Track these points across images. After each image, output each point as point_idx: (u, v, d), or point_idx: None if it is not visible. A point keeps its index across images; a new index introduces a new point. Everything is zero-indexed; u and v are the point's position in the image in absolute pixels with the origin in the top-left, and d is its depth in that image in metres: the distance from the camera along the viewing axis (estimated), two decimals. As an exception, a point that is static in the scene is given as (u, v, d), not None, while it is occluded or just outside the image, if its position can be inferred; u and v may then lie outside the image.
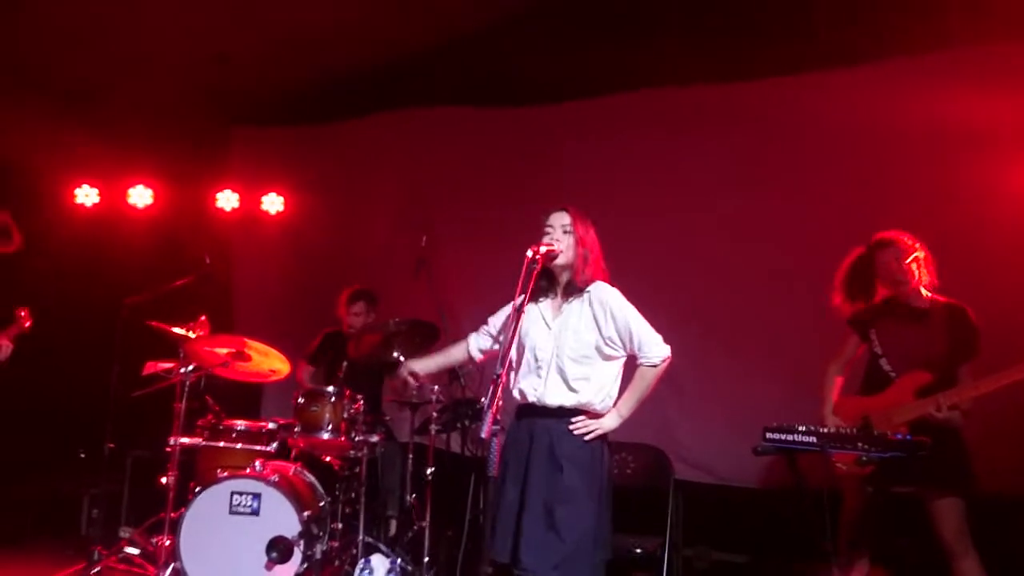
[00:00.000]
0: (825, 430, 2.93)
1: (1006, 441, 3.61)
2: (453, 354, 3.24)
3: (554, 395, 2.84)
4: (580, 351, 2.84)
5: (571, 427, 2.81)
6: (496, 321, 3.12)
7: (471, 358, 3.19)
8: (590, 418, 2.84)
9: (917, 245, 3.31)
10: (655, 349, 2.86)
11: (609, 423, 2.85)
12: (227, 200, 6.23)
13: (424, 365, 3.20)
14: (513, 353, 2.85)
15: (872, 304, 3.45)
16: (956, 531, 3.10)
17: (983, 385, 3.06)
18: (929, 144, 4.23)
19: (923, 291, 3.34)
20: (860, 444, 2.80)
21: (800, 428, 2.90)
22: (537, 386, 2.86)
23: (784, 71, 4.73)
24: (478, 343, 3.16)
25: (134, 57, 5.33)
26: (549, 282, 2.95)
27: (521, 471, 2.81)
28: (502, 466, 2.82)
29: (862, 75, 4.50)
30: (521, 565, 2.68)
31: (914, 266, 3.29)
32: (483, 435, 2.48)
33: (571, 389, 2.83)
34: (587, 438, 2.81)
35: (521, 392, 2.91)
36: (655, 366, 2.87)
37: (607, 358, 2.89)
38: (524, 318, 2.79)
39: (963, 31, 4.16)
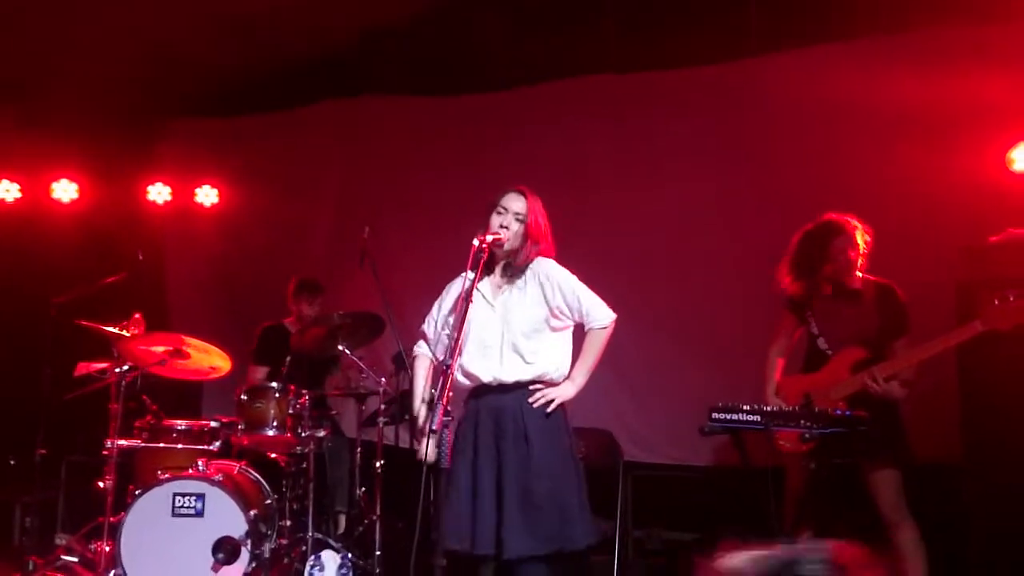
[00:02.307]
0: (768, 409, 3.02)
1: (937, 411, 3.76)
2: (426, 374, 3.04)
3: (511, 372, 2.84)
4: (531, 326, 2.85)
5: (530, 400, 2.81)
6: (439, 316, 3.04)
7: (440, 363, 3.05)
8: (547, 387, 2.86)
9: (862, 229, 3.37)
10: (601, 312, 2.92)
11: (567, 391, 2.88)
12: (159, 193, 6.01)
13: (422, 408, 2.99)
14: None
15: (813, 285, 3.51)
16: (894, 501, 3.22)
17: (916, 354, 3.17)
18: (866, 125, 4.35)
19: (857, 272, 3.43)
20: (802, 421, 2.89)
21: (744, 407, 2.98)
22: (491, 366, 2.84)
23: (729, 56, 4.81)
24: (438, 350, 3.02)
25: (59, 45, 5.10)
26: (490, 262, 2.92)
27: (492, 455, 2.78)
28: (463, 454, 2.80)
29: (804, 58, 4.61)
30: (509, 552, 2.66)
31: (859, 252, 3.36)
32: (434, 427, 2.46)
33: (526, 363, 2.84)
34: (548, 409, 2.82)
35: (471, 375, 2.87)
36: (604, 328, 2.92)
37: (555, 329, 2.91)
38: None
39: (922, 13, 4.27)
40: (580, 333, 3.01)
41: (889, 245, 3.52)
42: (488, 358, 2.85)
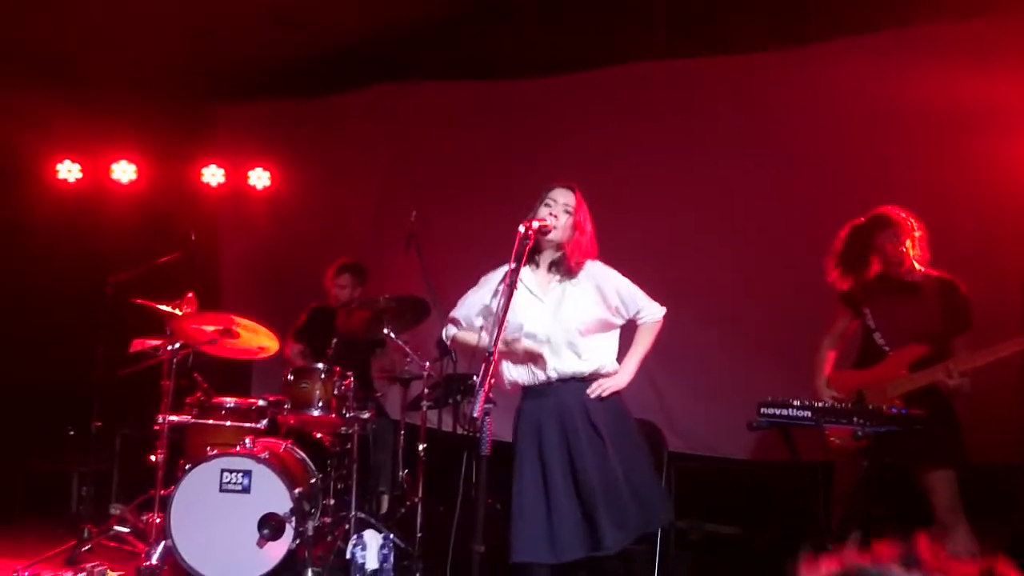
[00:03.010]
0: (820, 404, 2.93)
1: (995, 412, 3.62)
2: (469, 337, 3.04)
3: (569, 365, 2.86)
4: (587, 325, 2.88)
5: (589, 391, 2.85)
6: (474, 304, 3.01)
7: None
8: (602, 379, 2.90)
9: (913, 223, 3.27)
10: (654, 309, 2.99)
11: (621, 380, 2.92)
12: (212, 175, 6.12)
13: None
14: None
15: (865, 279, 3.41)
16: (949, 503, 3.11)
17: (980, 357, 3.04)
18: (928, 118, 4.19)
19: (916, 265, 3.31)
20: (855, 418, 2.79)
21: (795, 403, 2.89)
22: (548, 360, 2.84)
23: (777, 44, 4.67)
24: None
25: (114, 28, 5.20)
26: (533, 254, 2.90)
27: (564, 457, 2.77)
28: (528, 465, 2.80)
29: (860, 46, 4.45)
30: (608, 548, 2.67)
31: (909, 246, 3.25)
32: (475, 414, 2.45)
33: (582, 359, 2.86)
34: (605, 395, 2.86)
35: (528, 370, 2.87)
36: (657, 321, 2.98)
37: (610, 327, 2.96)
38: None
39: (960, 3, 4.11)
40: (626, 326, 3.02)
41: (955, 241, 3.39)
42: (547, 354, 2.84)
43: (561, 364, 2.85)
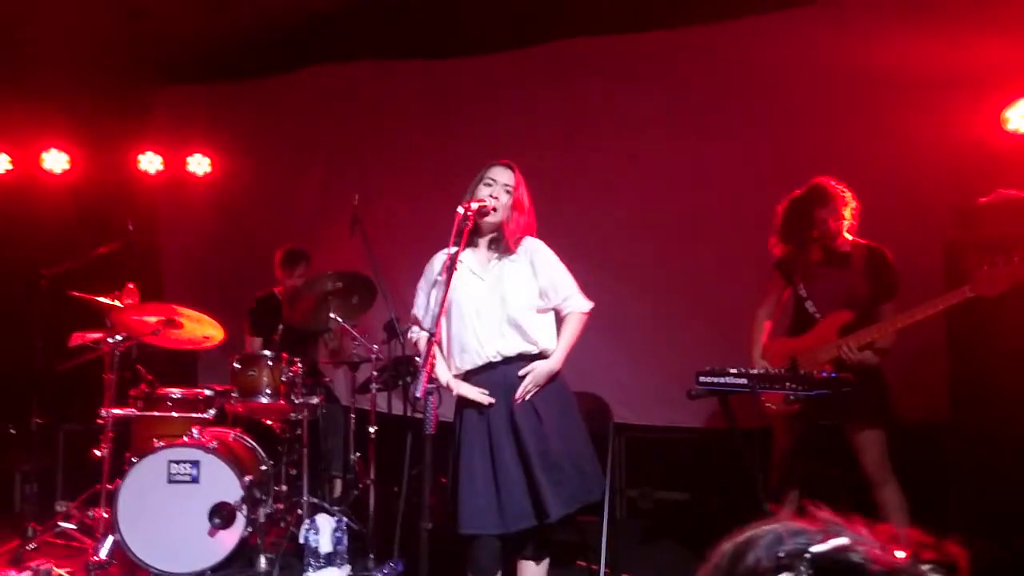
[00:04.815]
0: (755, 372, 3.03)
1: (921, 374, 3.79)
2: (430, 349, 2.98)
3: (512, 346, 2.84)
4: (527, 301, 2.86)
5: (520, 372, 2.82)
6: (426, 295, 3.01)
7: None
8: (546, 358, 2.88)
9: (849, 195, 3.35)
10: (580, 301, 2.93)
11: (552, 366, 2.86)
12: (150, 163, 5.98)
13: (446, 374, 2.95)
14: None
15: (794, 249, 3.50)
16: (877, 461, 3.25)
17: (896, 322, 3.17)
18: (856, 85, 4.30)
19: (846, 235, 3.42)
20: (788, 384, 2.90)
21: (732, 370, 2.99)
22: (491, 339, 2.83)
23: (717, 17, 4.74)
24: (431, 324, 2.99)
25: (41, 7, 5.01)
26: (473, 235, 2.88)
27: (508, 430, 2.79)
28: (476, 440, 2.81)
29: (793, 18, 4.55)
30: (552, 516, 2.70)
31: (845, 219, 3.35)
32: (418, 394, 2.48)
33: (526, 337, 2.85)
34: (541, 382, 2.83)
35: (471, 350, 2.85)
36: (583, 314, 2.94)
37: (543, 309, 2.93)
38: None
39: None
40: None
41: (879, 206, 3.50)
42: (487, 331, 2.84)
43: (505, 345, 2.85)
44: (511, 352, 2.85)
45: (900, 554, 0.77)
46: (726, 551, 0.83)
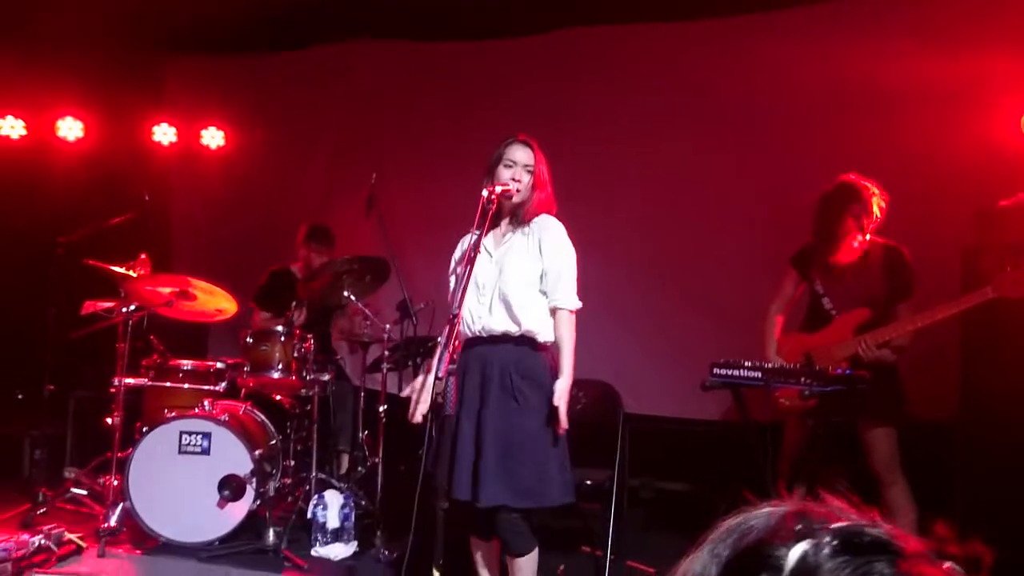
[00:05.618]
0: (769, 366, 3.05)
1: (938, 371, 3.80)
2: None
3: (498, 322, 2.81)
4: (523, 279, 2.82)
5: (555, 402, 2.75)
6: (453, 272, 3.02)
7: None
8: (537, 348, 2.84)
9: (877, 191, 3.32)
10: (569, 298, 2.84)
11: (567, 382, 2.80)
12: (164, 134, 5.97)
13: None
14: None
15: (812, 244, 3.50)
16: (887, 459, 3.27)
17: (916, 321, 3.18)
18: (877, 89, 4.29)
19: (864, 235, 3.41)
20: (803, 379, 2.92)
21: (746, 364, 3.01)
22: (481, 314, 2.82)
23: (733, 11, 4.71)
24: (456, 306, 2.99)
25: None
26: (496, 216, 2.86)
27: (475, 406, 2.79)
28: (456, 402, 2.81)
29: (812, 16, 4.52)
30: (483, 499, 2.68)
31: (876, 214, 3.33)
32: (440, 375, 2.49)
33: (514, 317, 2.80)
34: (562, 403, 2.76)
35: (465, 322, 2.85)
36: (566, 310, 2.84)
37: (541, 291, 2.88)
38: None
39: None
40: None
41: (899, 209, 3.49)
42: (479, 307, 2.83)
43: (491, 321, 2.81)
44: (496, 329, 2.81)
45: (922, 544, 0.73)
46: (729, 525, 0.77)
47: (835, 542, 0.70)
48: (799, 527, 0.71)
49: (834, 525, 0.71)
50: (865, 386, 2.83)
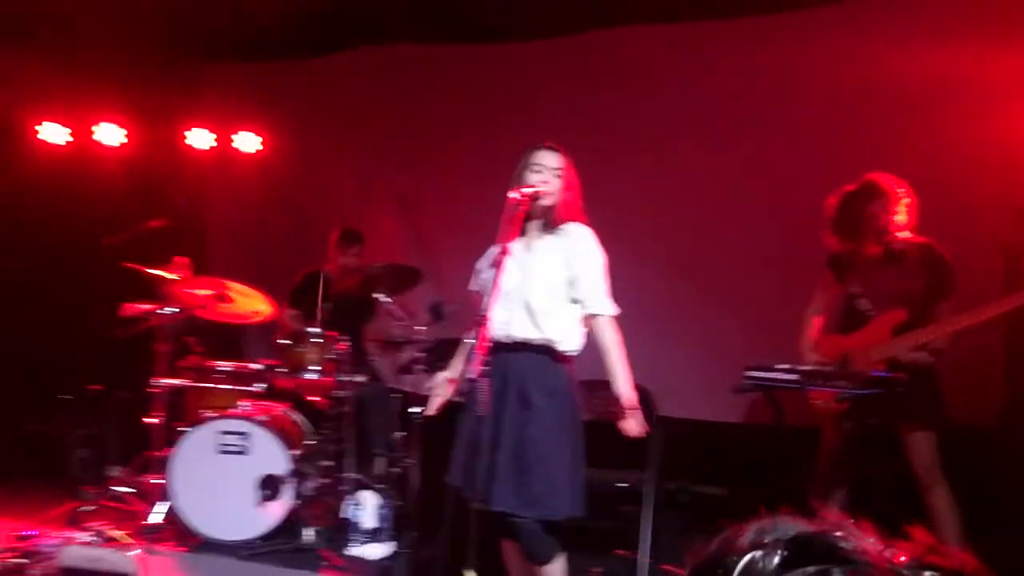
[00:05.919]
0: (805, 368, 3.01)
1: (977, 376, 3.72)
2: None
3: (520, 329, 2.80)
4: (548, 287, 2.81)
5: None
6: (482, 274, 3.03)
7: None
8: (557, 359, 2.83)
9: (904, 191, 3.29)
10: (602, 304, 2.83)
11: (630, 398, 2.82)
12: (199, 139, 6.07)
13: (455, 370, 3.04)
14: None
15: (850, 245, 3.46)
16: (928, 463, 3.21)
17: (956, 322, 3.12)
18: (913, 87, 4.21)
19: (901, 232, 3.36)
20: (839, 381, 2.88)
21: (781, 366, 2.97)
22: (505, 319, 2.80)
23: (768, 9, 4.66)
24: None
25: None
26: (525, 220, 2.86)
27: (494, 411, 2.76)
28: (471, 408, 2.80)
29: (842, 14, 4.46)
30: (495, 504, 2.68)
31: (899, 215, 3.29)
32: (471, 376, 2.50)
33: (536, 324, 2.79)
34: (638, 432, 2.80)
35: (491, 327, 2.80)
36: (603, 316, 2.83)
37: (573, 300, 2.87)
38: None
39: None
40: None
41: (940, 208, 3.44)
42: (503, 311, 2.79)
43: (512, 328, 2.79)
44: (517, 335, 2.80)
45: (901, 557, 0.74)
46: (722, 537, 0.81)
47: (785, 552, 0.72)
48: (754, 536, 0.75)
49: (791, 535, 0.74)
50: (903, 389, 2.78)
